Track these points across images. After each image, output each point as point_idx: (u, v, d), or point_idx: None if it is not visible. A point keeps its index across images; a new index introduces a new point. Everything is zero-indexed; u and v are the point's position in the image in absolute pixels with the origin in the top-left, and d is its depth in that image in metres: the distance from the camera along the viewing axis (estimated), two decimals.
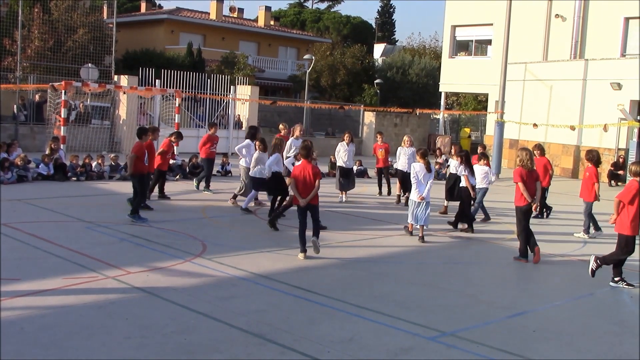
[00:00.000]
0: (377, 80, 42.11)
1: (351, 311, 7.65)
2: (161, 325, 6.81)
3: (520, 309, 8.23)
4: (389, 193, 18.27)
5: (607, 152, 25.93)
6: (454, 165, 14.58)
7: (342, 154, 16.82)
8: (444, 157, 26.10)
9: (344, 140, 17.06)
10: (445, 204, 15.66)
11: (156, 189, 15.18)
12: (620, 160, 25.28)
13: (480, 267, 10.47)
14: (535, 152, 14.85)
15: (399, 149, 16.73)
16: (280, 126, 17.30)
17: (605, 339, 7.32)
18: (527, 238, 10.90)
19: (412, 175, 12.17)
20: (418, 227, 12.23)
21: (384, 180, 18.45)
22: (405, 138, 16.77)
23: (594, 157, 13.07)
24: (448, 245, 12.19)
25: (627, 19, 29.42)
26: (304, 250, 10.22)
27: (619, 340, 7.31)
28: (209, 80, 27.49)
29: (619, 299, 9.03)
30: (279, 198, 13.14)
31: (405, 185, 15.87)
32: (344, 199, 16.71)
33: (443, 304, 8.23)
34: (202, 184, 16.98)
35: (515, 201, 11.02)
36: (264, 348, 6.37)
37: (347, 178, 16.73)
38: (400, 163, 16.45)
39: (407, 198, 15.05)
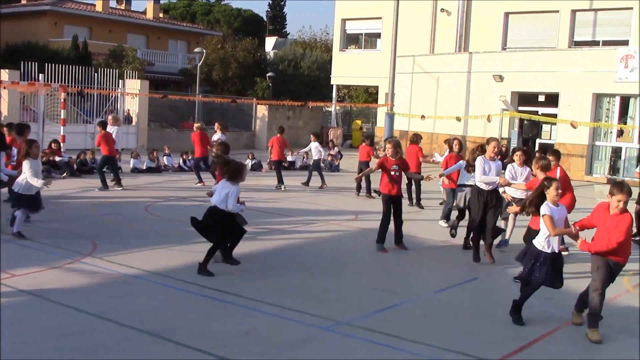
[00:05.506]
0: (269, 74, 42.10)
1: (248, 305, 7.65)
2: (51, 328, 6.58)
3: (414, 295, 8.49)
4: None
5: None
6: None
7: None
8: (336, 149, 26.51)
9: (216, 131, 19.70)
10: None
11: None
12: (504, 149, 26.36)
13: (375, 256, 10.68)
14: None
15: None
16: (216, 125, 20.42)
17: (494, 319, 7.63)
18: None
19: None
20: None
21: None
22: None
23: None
24: (343, 235, 12.39)
25: (507, 14, 30.73)
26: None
27: (508, 320, 7.61)
28: (96, 74, 26.69)
29: (505, 281, 9.40)
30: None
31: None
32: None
33: (340, 294, 8.36)
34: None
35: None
36: (159, 346, 6.28)
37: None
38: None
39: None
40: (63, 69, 25.26)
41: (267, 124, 33.81)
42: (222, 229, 9.04)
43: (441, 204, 15.09)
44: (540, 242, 7.35)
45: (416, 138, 16.33)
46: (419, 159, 15.81)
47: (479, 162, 10.16)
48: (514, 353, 6.58)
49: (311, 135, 19.69)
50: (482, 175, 10.08)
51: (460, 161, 12.74)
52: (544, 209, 7.29)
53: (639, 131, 23.67)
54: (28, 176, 10.34)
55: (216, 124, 20.60)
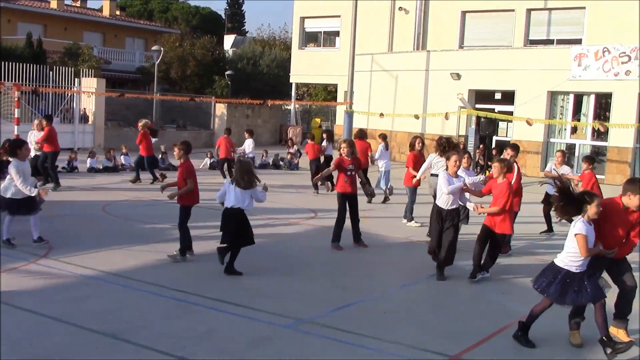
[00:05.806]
0: (228, 72, 41.89)
1: (209, 305, 7.62)
2: (8, 331, 6.46)
3: (374, 292, 8.55)
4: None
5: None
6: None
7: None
8: (295, 147, 26.48)
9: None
10: None
11: None
12: (461, 146, 26.64)
13: (335, 254, 10.71)
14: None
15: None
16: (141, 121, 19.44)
17: (453, 315, 7.74)
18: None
19: None
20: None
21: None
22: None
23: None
24: (303, 233, 12.40)
25: (464, 13, 31.04)
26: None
27: (467, 315, 7.73)
28: (51, 72, 26.24)
29: (465, 278, 9.51)
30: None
31: None
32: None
33: (301, 292, 8.38)
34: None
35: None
36: (118, 348, 6.22)
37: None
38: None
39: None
40: (17, 67, 24.78)
41: (226, 123, 33.61)
42: (236, 230, 9.06)
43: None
44: (563, 260, 6.67)
45: (362, 134, 16.65)
46: (367, 155, 16.08)
47: (442, 177, 9.52)
48: (472, 347, 6.68)
49: (245, 132, 20.08)
50: (448, 187, 9.29)
51: (429, 156, 12.89)
52: (579, 227, 6.50)
53: (592, 128, 24.14)
54: (17, 182, 9.77)
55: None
